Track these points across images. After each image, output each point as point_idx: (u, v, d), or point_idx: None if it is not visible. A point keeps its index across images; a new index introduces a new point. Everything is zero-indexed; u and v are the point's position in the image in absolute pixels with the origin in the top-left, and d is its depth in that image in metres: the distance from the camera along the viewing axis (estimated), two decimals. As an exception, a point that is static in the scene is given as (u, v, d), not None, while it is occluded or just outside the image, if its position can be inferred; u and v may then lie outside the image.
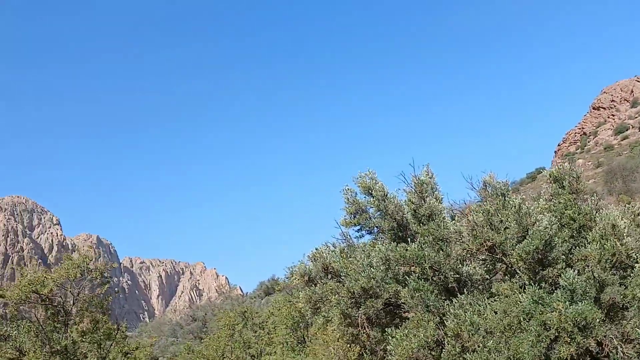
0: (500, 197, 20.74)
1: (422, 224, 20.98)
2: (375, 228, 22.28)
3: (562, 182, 20.45)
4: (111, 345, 19.39)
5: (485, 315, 17.96)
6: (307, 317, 32.25)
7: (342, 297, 19.40)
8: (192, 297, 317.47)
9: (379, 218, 21.75)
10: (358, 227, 22.50)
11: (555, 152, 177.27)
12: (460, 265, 20.28)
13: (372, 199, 21.43)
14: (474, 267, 20.56)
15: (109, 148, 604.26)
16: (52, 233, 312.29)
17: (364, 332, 18.98)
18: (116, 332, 20.00)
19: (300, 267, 20.73)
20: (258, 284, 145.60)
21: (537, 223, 18.53)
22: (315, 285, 20.87)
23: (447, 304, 19.18)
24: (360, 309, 19.48)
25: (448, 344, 17.63)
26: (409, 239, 20.38)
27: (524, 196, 19.65)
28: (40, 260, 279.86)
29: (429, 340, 17.86)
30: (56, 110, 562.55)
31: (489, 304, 18.72)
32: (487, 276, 20.93)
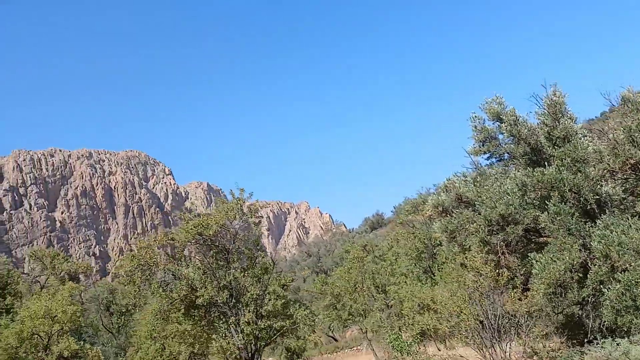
0: (641, 112, 19.67)
1: (557, 146, 20.35)
2: (505, 154, 21.88)
3: None
4: (269, 278, 20.88)
5: (631, 235, 17.42)
6: (432, 249, 32.75)
7: (480, 225, 19.46)
8: (299, 235, 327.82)
9: (511, 143, 21.29)
10: (487, 155, 22.20)
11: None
12: (599, 186, 19.64)
13: (502, 125, 20.95)
14: (614, 187, 19.85)
15: (207, 93, 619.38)
16: (165, 183, 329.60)
17: (504, 258, 19.01)
18: (273, 267, 21.42)
19: (433, 199, 20.88)
20: (363, 219, 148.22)
21: (688, 136, 17.49)
22: (449, 215, 21.03)
23: (589, 226, 18.77)
24: (499, 235, 19.48)
25: (594, 266, 17.36)
26: (545, 163, 19.86)
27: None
28: (158, 209, 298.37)
29: (574, 262, 17.66)
30: (156, 63, 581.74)
31: (632, 223, 18.13)
32: (623, 195, 20.16)
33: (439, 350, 20.00)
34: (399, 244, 38.61)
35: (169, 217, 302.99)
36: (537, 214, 19.38)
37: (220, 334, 19.43)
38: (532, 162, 20.89)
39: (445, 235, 20.34)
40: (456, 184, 20.44)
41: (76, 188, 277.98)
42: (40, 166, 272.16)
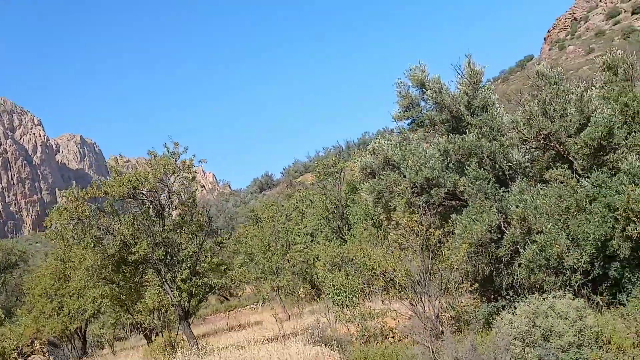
0: (554, 85, 21.19)
1: (476, 115, 21.50)
2: (427, 120, 22.76)
3: (616, 70, 20.79)
4: (205, 235, 20.50)
5: (540, 200, 18.97)
6: (342, 209, 33.59)
7: (406, 187, 20.25)
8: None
9: (432, 110, 22.15)
10: (410, 120, 23.00)
11: (544, 38, 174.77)
12: (510, 154, 21.04)
13: (427, 92, 21.74)
14: (523, 156, 21.38)
15: (86, 42, 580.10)
16: (34, 134, 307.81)
17: (426, 219, 19.95)
18: (208, 223, 20.99)
19: (362, 161, 21.39)
20: (252, 180, 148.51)
21: (598, 111, 19.14)
22: (376, 177, 21.66)
23: (503, 191, 20.17)
24: (423, 197, 20.41)
25: (511, 227, 18.75)
26: (466, 131, 20.94)
27: (585, 83, 20.09)
28: (25, 162, 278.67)
29: (493, 224, 18.94)
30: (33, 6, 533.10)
31: (540, 189, 19.74)
32: (528, 164, 21.78)
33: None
34: (305, 204, 39.21)
35: (38, 171, 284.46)
36: (457, 178, 20.50)
37: (154, 291, 18.95)
38: (453, 129, 21.92)
39: (372, 197, 20.97)
40: (384, 147, 21.05)
41: None
42: None
